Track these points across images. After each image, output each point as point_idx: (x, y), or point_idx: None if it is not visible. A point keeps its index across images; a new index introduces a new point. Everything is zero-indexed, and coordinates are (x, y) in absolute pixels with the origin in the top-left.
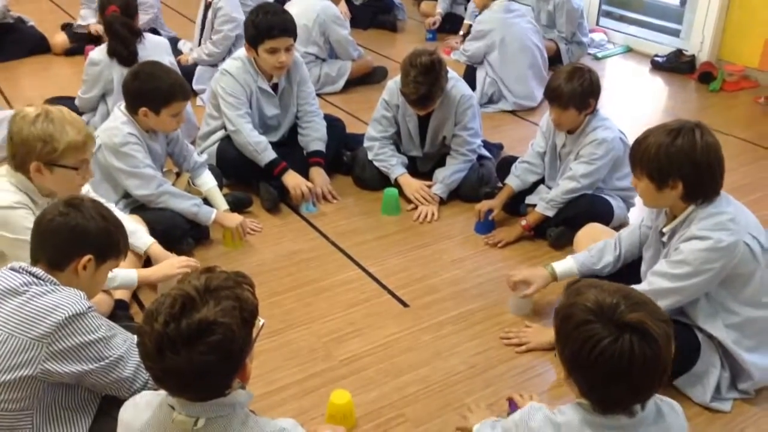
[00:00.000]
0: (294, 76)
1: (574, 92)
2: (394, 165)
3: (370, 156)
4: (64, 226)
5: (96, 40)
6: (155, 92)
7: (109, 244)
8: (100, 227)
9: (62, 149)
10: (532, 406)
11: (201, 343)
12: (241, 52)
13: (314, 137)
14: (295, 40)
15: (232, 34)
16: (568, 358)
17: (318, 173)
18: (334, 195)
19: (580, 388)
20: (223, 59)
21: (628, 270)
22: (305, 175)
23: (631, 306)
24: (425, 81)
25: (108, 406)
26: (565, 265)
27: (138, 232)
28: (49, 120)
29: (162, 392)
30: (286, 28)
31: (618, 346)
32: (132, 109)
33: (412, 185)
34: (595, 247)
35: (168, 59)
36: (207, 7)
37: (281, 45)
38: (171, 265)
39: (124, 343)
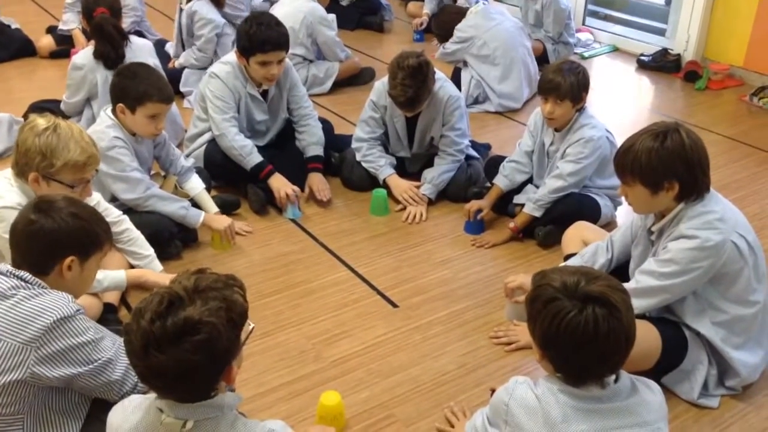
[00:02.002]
0: (284, 82)
1: (571, 84)
2: (382, 166)
3: (358, 157)
4: (36, 235)
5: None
6: (131, 89)
7: (89, 240)
8: (74, 227)
9: (59, 166)
10: (516, 380)
11: (186, 342)
12: (231, 56)
13: (310, 142)
14: (287, 52)
15: (212, 35)
16: (540, 336)
17: (316, 178)
18: (326, 197)
19: (553, 365)
20: (212, 61)
21: (617, 268)
22: (295, 176)
23: (591, 280)
24: (413, 84)
25: (98, 410)
26: None
27: (151, 257)
28: (56, 134)
29: (151, 395)
30: (280, 42)
31: (583, 317)
32: (113, 105)
33: (400, 186)
34: (587, 251)
35: (152, 61)
36: (181, 11)
37: (273, 59)
38: (165, 276)
39: (113, 346)
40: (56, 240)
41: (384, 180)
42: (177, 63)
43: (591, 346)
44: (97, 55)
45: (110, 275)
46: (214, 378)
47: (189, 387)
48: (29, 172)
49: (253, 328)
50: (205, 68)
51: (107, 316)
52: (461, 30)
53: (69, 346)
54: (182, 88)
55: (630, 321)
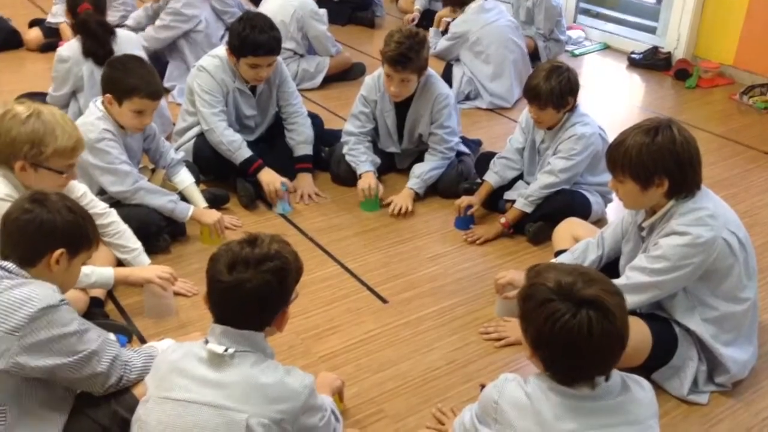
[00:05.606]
0: (273, 78)
1: (552, 91)
2: (363, 161)
3: (344, 150)
4: (30, 224)
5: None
6: (120, 81)
7: (80, 236)
8: (68, 220)
9: (49, 153)
10: (506, 377)
11: (266, 265)
12: (220, 50)
13: (299, 141)
14: (279, 55)
15: (181, 6)
16: (532, 336)
17: (303, 179)
18: (312, 201)
19: (544, 364)
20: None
21: (607, 264)
22: (285, 171)
23: (586, 282)
24: (406, 42)
25: (83, 404)
26: None
27: (138, 251)
28: (41, 121)
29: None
30: (272, 47)
31: (577, 321)
32: (103, 95)
33: (366, 180)
34: (578, 248)
35: (139, 53)
36: None
37: (264, 63)
38: (152, 270)
39: (99, 338)
40: (50, 230)
41: (360, 174)
42: (128, 21)
43: (584, 349)
44: (86, 52)
45: (98, 271)
46: (275, 309)
47: (254, 308)
48: (15, 161)
49: (297, 295)
50: (185, 62)
51: (94, 310)
52: (455, 26)
53: (53, 337)
54: (166, 83)
55: (624, 324)
